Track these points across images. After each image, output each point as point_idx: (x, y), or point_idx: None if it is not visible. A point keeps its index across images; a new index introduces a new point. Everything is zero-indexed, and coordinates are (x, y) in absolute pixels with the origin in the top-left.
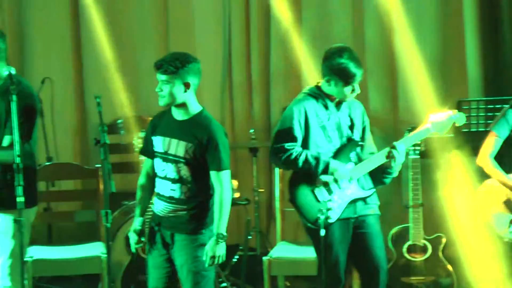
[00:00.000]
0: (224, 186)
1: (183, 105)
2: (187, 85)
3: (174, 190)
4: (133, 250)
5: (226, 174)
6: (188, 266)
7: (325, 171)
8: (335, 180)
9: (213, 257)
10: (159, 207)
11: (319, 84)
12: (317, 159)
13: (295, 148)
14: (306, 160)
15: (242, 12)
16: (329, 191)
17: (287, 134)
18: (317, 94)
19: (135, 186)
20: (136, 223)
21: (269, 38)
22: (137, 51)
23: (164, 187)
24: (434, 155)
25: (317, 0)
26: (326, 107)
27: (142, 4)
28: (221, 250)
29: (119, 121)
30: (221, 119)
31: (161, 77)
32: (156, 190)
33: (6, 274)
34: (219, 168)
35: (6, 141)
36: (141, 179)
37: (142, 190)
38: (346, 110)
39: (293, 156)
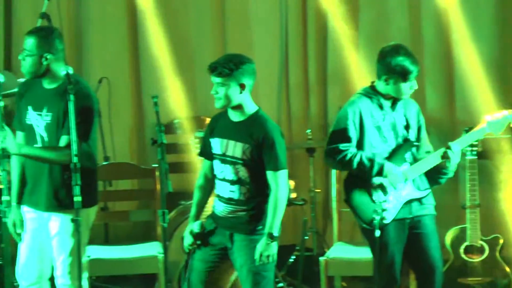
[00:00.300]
0: (280, 185)
1: (239, 107)
2: (242, 86)
3: (233, 192)
4: (186, 250)
5: (282, 173)
6: (248, 267)
7: (380, 173)
8: (388, 183)
9: (262, 256)
10: (218, 208)
11: (374, 84)
12: (371, 161)
13: (349, 149)
14: (360, 162)
15: (299, 13)
16: (384, 192)
17: (341, 134)
18: (372, 94)
19: (191, 186)
20: (194, 225)
21: (325, 39)
22: (194, 52)
23: (223, 189)
24: (491, 156)
25: (374, 1)
26: (381, 107)
27: (199, 4)
28: (271, 250)
29: (176, 121)
30: (278, 120)
31: (216, 79)
32: (216, 191)
33: (66, 273)
34: (275, 168)
35: (62, 141)
36: (199, 180)
37: (200, 191)
38: (401, 110)
39: (347, 158)
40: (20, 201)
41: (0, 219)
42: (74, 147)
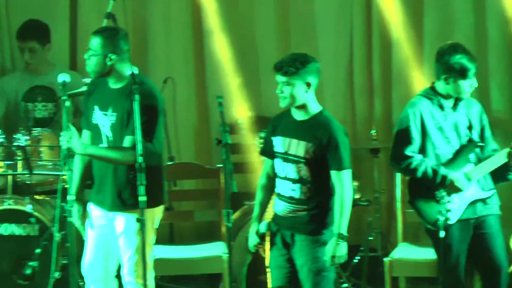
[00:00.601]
0: (345, 185)
1: (303, 106)
2: (308, 85)
3: (295, 190)
4: (251, 249)
5: (347, 173)
6: (309, 267)
7: (443, 183)
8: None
9: (333, 257)
10: (279, 207)
11: (434, 85)
12: (435, 172)
13: (415, 157)
14: (425, 172)
15: (364, 15)
16: (449, 193)
17: (404, 137)
18: (432, 95)
19: (256, 186)
20: (261, 225)
21: (390, 40)
22: (259, 51)
23: (285, 187)
24: None
25: (438, 2)
26: (441, 107)
27: (264, 4)
28: (341, 250)
29: (240, 121)
30: (343, 120)
31: (281, 78)
32: (277, 190)
33: (132, 271)
34: (339, 168)
35: (127, 141)
36: (261, 180)
37: (262, 191)
38: (463, 110)
39: (412, 166)
40: (79, 197)
41: (65, 219)
42: (139, 147)
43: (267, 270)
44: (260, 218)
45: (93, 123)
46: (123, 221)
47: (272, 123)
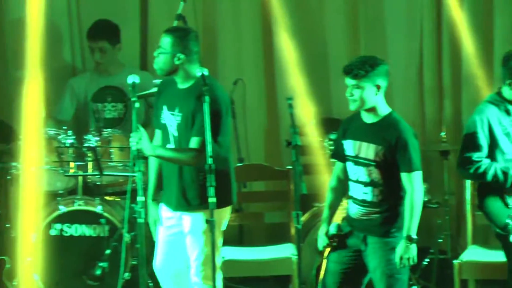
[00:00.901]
0: (415, 187)
1: (372, 108)
2: (378, 88)
3: (367, 193)
4: (320, 249)
5: (417, 175)
6: (382, 269)
7: None
8: None
9: (402, 258)
10: (352, 210)
11: (500, 91)
12: (505, 174)
13: (483, 161)
14: (495, 174)
15: (433, 17)
16: None
17: (472, 144)
18: (499, 101)
19: (325, 188)
20: (331, 227)
21: (460, 42)
22: (328, 54)
23: (357, 191)
24: None
25: (509, 4)
26: (508, 113)
27: (334, 5)
28: (411, 252)
29: (311, 122)
30: (412, 122)
31: (351, 81)
32: (350, 193)
33: (198, 271)
34: (410, 169)
35: (192, 143)
36: (332, 182)
37: (332, 193)
38: None
39: (481, 170)
40: (155, 198)
41: (135, 220)
42: (209, 148)
43: (323, 261)
44: (330, 220)
45: (162, 123)
46: (189, 221)
47: (342, 126)
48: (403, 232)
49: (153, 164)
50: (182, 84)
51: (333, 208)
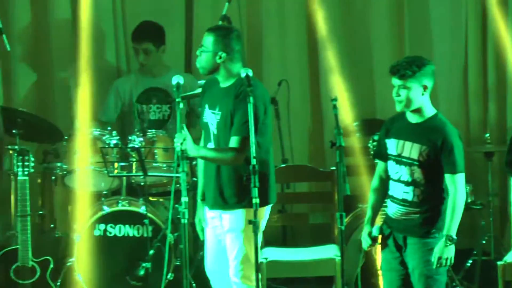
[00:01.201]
0: (458, 188)
1: (418, 109)
2: (424, 88)
3: (407, 193)
4: (365, 249)
5: (460, 177)
6: (420, 270)
7: None
8: None
9: (440, 258)
10: (392, 209)
11: None
12: None
13: None
14: None
15: (478, 19)
16: None
17: None
18: None
19: (368, 189)
20: (373, 229)
21: (505, 44)
22: (373, 55)
23: (397, 190)
24: None
25: None
26: None
27: (379, 8)
28: (449, 253)
29: (355, 123)
30: (456, 123)
31: (397, 81)
32: (390, 192)
33: (237, 271)
34: (453, 171)
35: (232, 142)
36: (374, 182)
37: (375, 193)
38: None
39: None
40: (203, 198)
41: (178, 220)
42: (253, 149)
43: (379, 272)
44: (373, 221)
45: (204, 122)
46: (227, 219)
47: (385, 125)
48: (443, 232)
49: (201, 164)
50: (224, 83)
51: (376, 209)
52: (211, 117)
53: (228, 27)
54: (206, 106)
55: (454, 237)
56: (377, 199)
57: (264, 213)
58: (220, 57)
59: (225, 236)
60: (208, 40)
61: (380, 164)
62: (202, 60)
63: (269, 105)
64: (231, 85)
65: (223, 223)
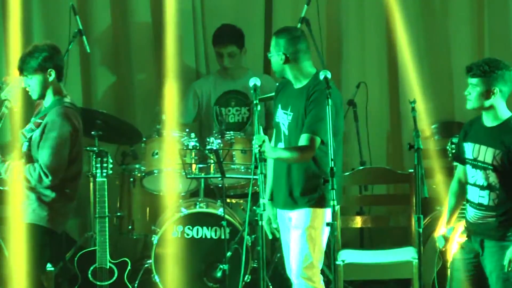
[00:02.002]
0: None
1: (492, 111)
2: (491, 92)
3: (483, 197)
4: (440, 247)
5: None
6: (497, 273)
7: None
8: None
9: (511, 261)
10: (470, 213)
11: None
12: None
13: None
14: None
15: None
16: None
17: None
18: None
19: (447, 192)
20: (447, 231)
21: None
22: (452, 58)
23: (474, 194)
24: None
25: None
26: None
27: (459, 11)
28: None
29: (433, 126)
30: None
31: (471, 80)
32: (467, 196)
33: (299, 271)
34: None
35: (302, 140)
36: (453, 186)
37: (453, 196)
38: None
39: None
40: (271, 198)
41: (256, 222)
42: (331, 151)
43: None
44: (449, 222)
45: (276, 121)
46: (294, 217)
47: (464, 128)
48: None
49: (271, 163)
50: (296, 84)
51: (453, 211)
52: (283, 117)
53: (289, 28)
54: (279, 106)
55: None
56: (455, 201)
57: (324, 215)
58: (281, 59)
59: (291, 233)
60: (272, 44)
61: (459, 167)
62: (272, 64)
63: (340, 108)
64: (304, 86)
65: (291, 221)
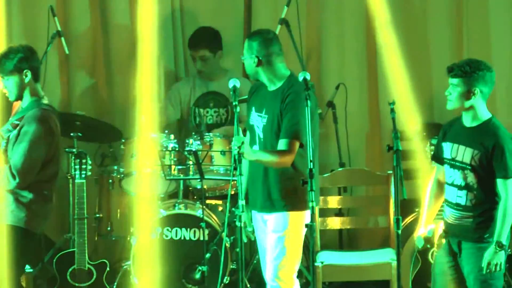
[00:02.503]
0: (509, 194)
1: (472, 112)
2: (472, 92)
3: (461, 197)
4: (419, 247)
5: None
6: (475, 275)
7: None
8: None
9: (489, 264)
10: (447, 213)
11: None
12: None
13: None
14: None
15: None
16: None
17: None
18: None
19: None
20: (427, 231)
21: None
22: (432, 59)
23: (452, 194)
24: None
25: None
26: None
27: (437, 13)
28: (499, 258)
29: (413, 127)
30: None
31: (452, 80)
32: (445, 196)
33: (275, 274)
34: (505, 176)
35: (280, 144)
36: (430, 186)
37: (431, 197)
38: None
39: None
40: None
41: (235, 224)
42: (310, 152)
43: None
44: (426, 222)
45: (250, 124)
46: (272, 221)
47: (443, 129)
48: (494, 238)
49: (245, 165)
50: (270, 86)
51: (430, 211)
52: (257, 120)
53: (261, 31)
54: (253, 108)
55: (504, 243)
56: (433, 202)
57: (306, 217)
58: (254, 62)
59: (268, 237)
60: (245, 47)
61: (437, 168)
62: (245, 67)
63: (315, 109)
64: (279, 88)
65: (267, 224)
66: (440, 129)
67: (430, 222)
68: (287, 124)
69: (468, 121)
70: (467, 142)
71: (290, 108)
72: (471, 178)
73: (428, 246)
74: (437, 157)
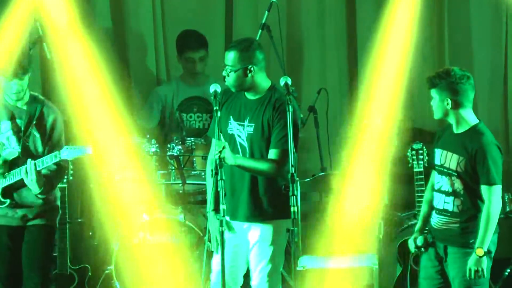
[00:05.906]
0: (492, 200)
1: (454, 118)
2: (453, 100)
3: (448, 203)
4: (412, 251)
5: (495, 189)
6: (460, 280)
7: None
8: None
9: (470, 270)
10: (434, 219)
11: None
12: None
13: None
14: None
15: None
16: None
17: None
18: None
19: (410, 199)
20: (418, 239)
21: None
22: (413, 65)
23: (439, 200)
24: None
25: None
26: None
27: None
28: (482, 264)
29: (393, 133)
30: (496, 132)
31: (431, 90)
32: (433, 202)
33: (264, 281)
34: (488, 182)
35: (272, 154)
36: (426, 193)
37: (426, 204)
38: None
39: None
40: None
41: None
42: (292, 157)
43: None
44: (421, 230)
45: (228, 133)
46: (258, 231)
47: (437, 134)
48: (476, 244)
49: (209, 174)
50: (251, 95)
51: (426, 219)
52: (238, 129)
53: (246, 39)
54: (231, 117)
55: (486, 249)
56: (428, 208)
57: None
58: (251, 71)
59: (253, 247)
60: (232, 58)
61: (432, 174)
62: (232, 79)
63: (299, 115)
64: (263, 96)
65: (250, 234)
66: (435, 135)
67: (424, 229)
68: (278, 134)
69: (456, 127)
70: (453, 148)
71: (281, 117)
72: (458, 185)
73: (422, 250)
74: (430, 163)
